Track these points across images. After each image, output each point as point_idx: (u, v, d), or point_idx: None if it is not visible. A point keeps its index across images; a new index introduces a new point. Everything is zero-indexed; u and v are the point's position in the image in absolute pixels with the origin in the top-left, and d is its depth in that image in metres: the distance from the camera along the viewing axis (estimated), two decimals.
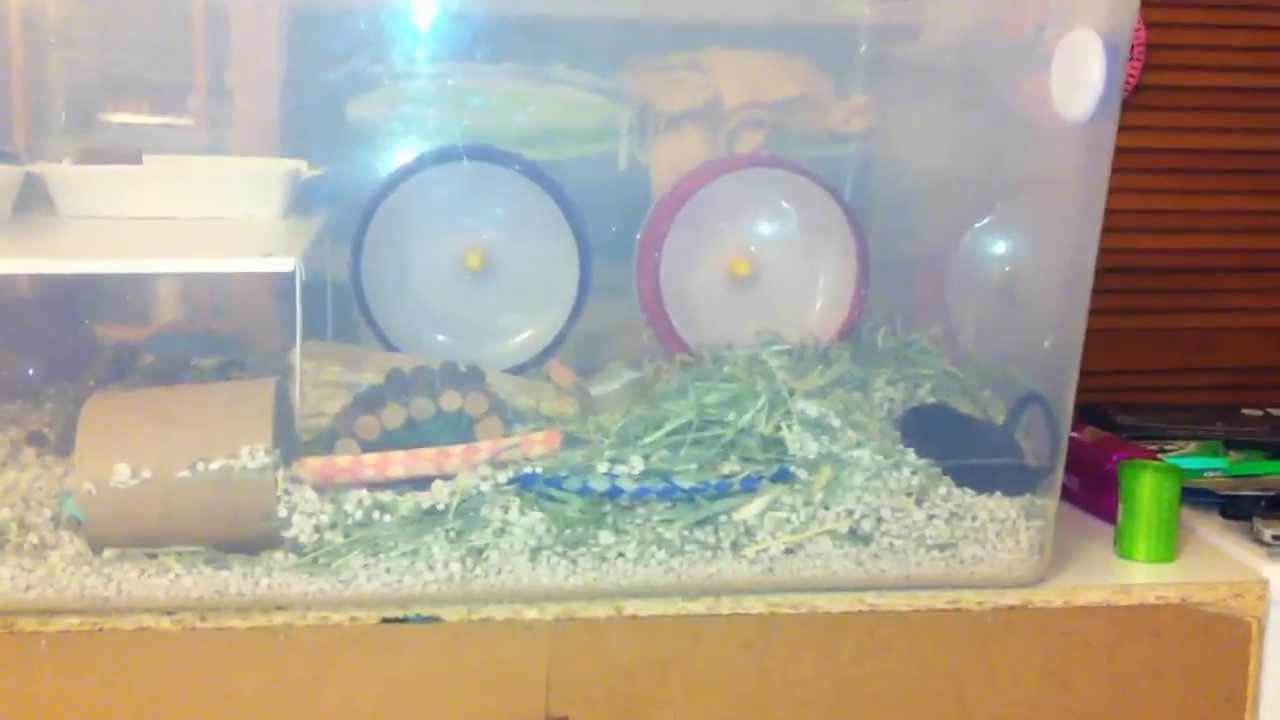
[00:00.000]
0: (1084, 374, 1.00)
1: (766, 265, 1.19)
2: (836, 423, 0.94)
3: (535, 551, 0.89)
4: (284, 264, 0.92)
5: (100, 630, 0.85)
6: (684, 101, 1.21)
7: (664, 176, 1.21)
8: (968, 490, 0.95)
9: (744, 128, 1.24)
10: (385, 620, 0.88)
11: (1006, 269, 1.13)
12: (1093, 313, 0.99)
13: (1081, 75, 0.96)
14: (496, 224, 1.16)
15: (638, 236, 1.17)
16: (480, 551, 0.88)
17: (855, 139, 1.25)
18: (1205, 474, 1.16)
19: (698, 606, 0.91)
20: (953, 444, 0.97)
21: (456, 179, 1.14)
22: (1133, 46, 1.47)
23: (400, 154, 1.16)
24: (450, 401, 0.94)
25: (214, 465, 0.84)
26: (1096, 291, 0.99)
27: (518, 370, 1.13)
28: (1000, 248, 1.14)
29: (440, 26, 1.12)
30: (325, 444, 0.93)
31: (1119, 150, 1.45)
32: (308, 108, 1.19)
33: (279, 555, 0.86)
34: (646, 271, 1.14)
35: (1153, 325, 1.53)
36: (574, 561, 0.90)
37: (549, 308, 1.15)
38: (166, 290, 1.25)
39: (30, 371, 1.07)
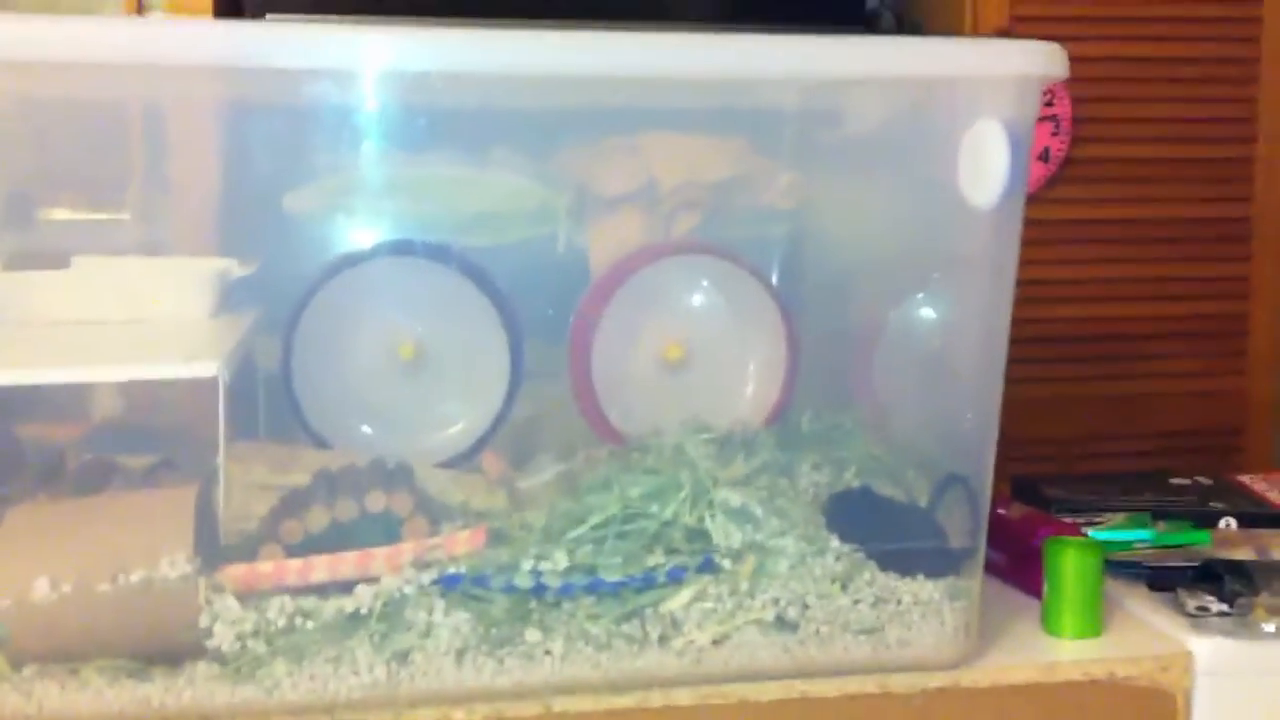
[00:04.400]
0: (1015, 444, 1.01)
1: (698, 350, 1.20)
2: (759, 511, 0.95)
3: (461, 652, 0.89)
4: (206, 369, 0.92)
5: None
6: (621, 185, 1.23)
7: (602, 260, 1.23)
8: (891, 574, 0.96)
9: (680, 209, 1.26)
10: None
11: (929, 348, 1.15)
12: (1022, 382, 1.01)
13: (986, 164, 0.99)
14: (427, 315, 1.17)
15: (570, 323, 1.18)
16: (405, 654, 0.88)
17: (787, 219, 1.28)
18: (1134, 545, 1.17)
19: (627, 701, 0.92)
20: (876, 528, 0.98)
21: (384, 272, 1.15)
22: (1059, 121, 1.51)
23: (338, 245, 1.17)
24: (375, 502, 0.94)
25: (134, 576, 0.84)
26: (1026, 361, 1.01)
27: (454, 461, 1.13)
28: (923, 327, 1.16)
29: (377, 117, 1.13)
30: (250, 549, 0.93)
31: (1048, 223, 1.49)
32: (244, 202, 1.20)
33: (202, 665, 0.86)
34: (579, 359, 1.15)
35: (1083, 393, 1.56)
36: (501, 661, 0.90)
37: (482, 398, 1.16)
38: (95, 387, 1.24)
39: None
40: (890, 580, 0.96)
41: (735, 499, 0.95)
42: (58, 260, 1.10)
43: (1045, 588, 1.03)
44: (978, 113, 1.01)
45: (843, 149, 1.27)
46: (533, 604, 0.91)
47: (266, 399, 1.13)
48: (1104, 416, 1.56)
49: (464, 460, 1.14)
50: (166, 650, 0.86)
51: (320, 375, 1.13)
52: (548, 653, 0.90)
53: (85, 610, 0.84)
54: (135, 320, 1.06)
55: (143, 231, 1.23)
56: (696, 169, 1.26)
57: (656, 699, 0.92)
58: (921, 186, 1.15)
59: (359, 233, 1.17)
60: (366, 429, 1.15)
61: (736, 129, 1.26)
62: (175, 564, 0.85)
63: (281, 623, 0.87)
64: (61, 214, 1.21)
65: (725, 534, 0.93)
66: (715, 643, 0.92)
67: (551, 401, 1.20)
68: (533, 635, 0.90)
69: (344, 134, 1.14)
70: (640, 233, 1.24)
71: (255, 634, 0.86)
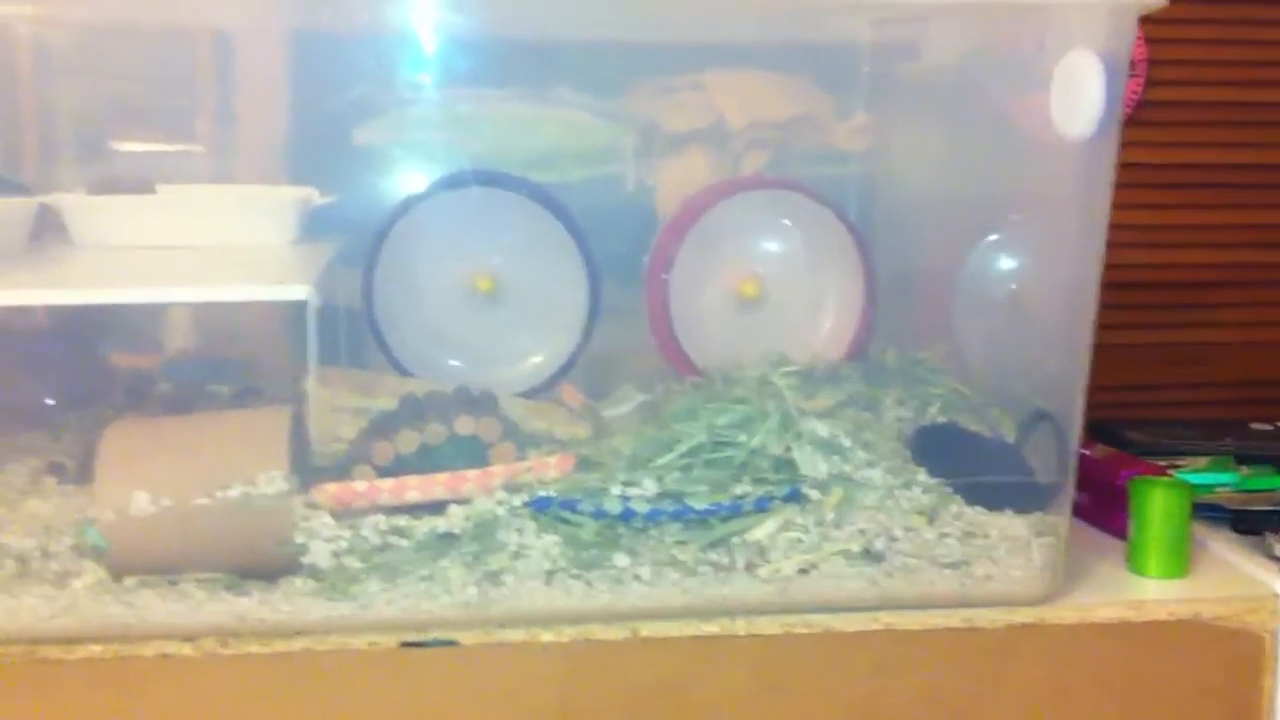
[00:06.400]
0: (1092, 390, 1.00)
1: (774, 286, 1.20)
2: (847, 442, 0.95)
3: (550, 574, 0.90)
4: (297, 291, 0.93)
5: (122, 657, 0.85)
6: (688, 123, 1.23)
7: (670, 198, 1.22)
8: (979, 508, 0.96)
9: (748, 148, 1.25)
10: (404, 644, 0.88)
11: (1012, 286, 1.14)
12: (1099, 328, 1.00)
13: (1080, 95, 0.97)
14: (505, 248, 1.17)
15: (646, 259, 1.17)
16: (496, 575, 0.89)
17: (858, 158, 1.27)
18: (1216, 489, 1.16)
19: (712, 628, 0.92)
20: (963, 462, 0.98)
21: (465, 204, 1.15)
22: (1134, 63, 1.48)
23: (406, 179, 1.17)
24: (464, 426, 0.94)
25: (232, 492, 0.85)
26: (1102, 307, 1.00)
27: (529, 394, 1.14)
28: (1005, 265, 1.15)
29: (444, 51, 1.13)
30: (341, 470, 0.94)
31: (1122, 166, 1.46)
32: (314, 134, 1.20)
33: (298, 581, 0.87)
34: (655, 294, 1.15)
35: (1158, 340, 1.54)
36: (589, 584, 0.90)
37: (559, 331, 1.16)
38: (177, 317, 1.26)
39: (48, 401, 1.08)
40: (978, 515, 0.96)
41: (823, 429, 0.95)
42: (142, 186, 1.11)
43: (1131, 527, 1.03)
44: (1071, 42, 0.99)
45: (920, 82, 1.26)
46: (621, 529, 0.91)
47: (347, 327, 1.13)
48: (1177, 364, 1.54)
49: (541, 392, 1.15)
50: (263, 565, 0.87)
51: (399, 305, 1.13)
52: (636, 577, 0.90)
53: (184, 524, 0.85)
54: (219, 246, 1.06)
55: (216, 162, 1.24)
56: (766, 107, 1.25)
57: (742, 627, 0.92)
58: (1005, 120, 1.14)
59: (427, 166, 1.18)
60: (445, 358, 1.15)
61: (807, 66, 1.25)
62: (272, 480, 0.86)
63: (376, 540, 0.88)
64: (135, 145, 1.22)
65: (812, 464, 0.93)
66: (801, 572, 0.92)
67: (627, 337, 1.20)
68: (621, 560, 0.90)
69: (411, 68, 1.14)
70: (708, 171, 1.23)
71: (350, 551, 0.87)
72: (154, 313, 1.23)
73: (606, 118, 1.22)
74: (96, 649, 0.85)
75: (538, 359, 1.16)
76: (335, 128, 1.17)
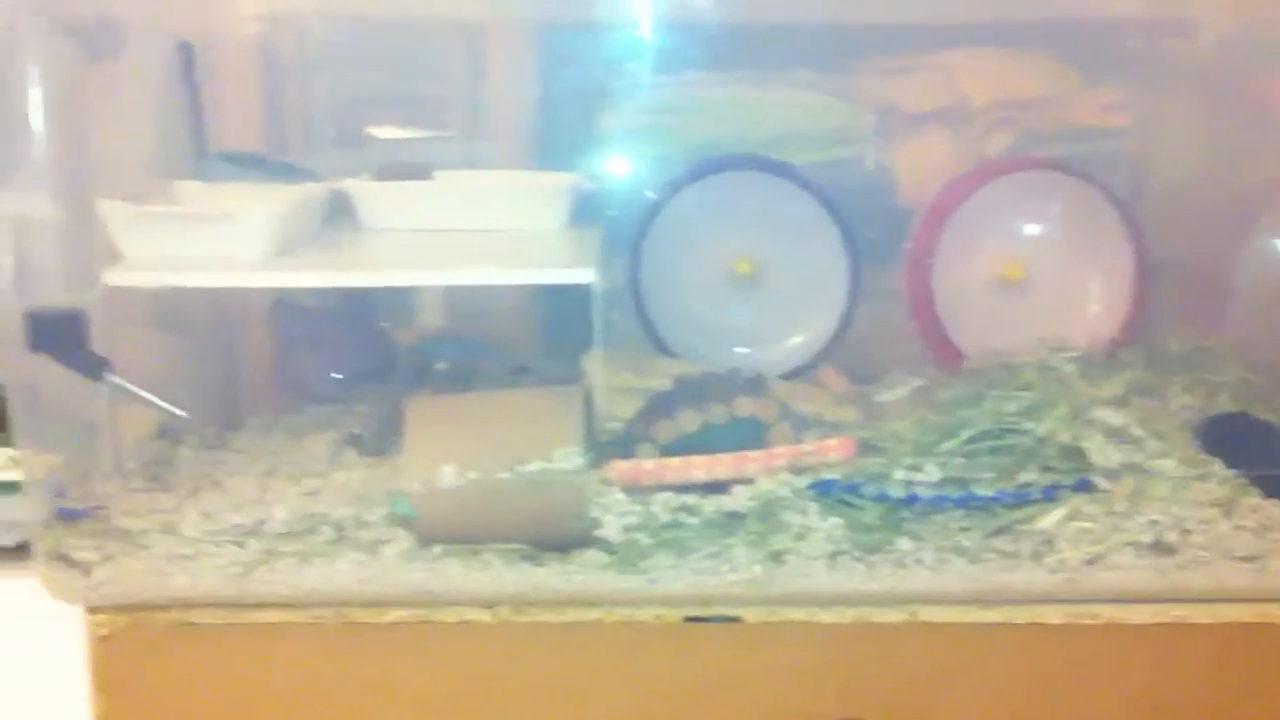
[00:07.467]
0: None
1: (1038, 269, 1.17)
2: (1139, 431, 0.92)
3: (833, 556, 0.90)
4: (583, 275, 0.96)
5: (426, 622, 0.90)
6: (927, 103, 1.21)
7: (911, 180, 1.21)
8: (1276, 501, 0.92)
9: (992, 128, 1.22)
10: (688, 619, 0.90)
11: None
12: None
13: None
14: (765, 230, 1.18)
15: (905, 245, 1.17)
16: (780, 554, 0.90)
17: (1115, 136, 1.23)
18: None
19: (994, 615, 0.91)
20: (1259, 454, 0.94)
21: (725, 187, 1.16)
22: None
23: (648, 164, 1.19)
24: (743, 407, 0.96)
25: (531, 467, 0.89)
26: None
27: (790, 376, 1.14)
28: None
29: (682, 36, 1.15)
30: (619, 447, 0.97)
31: None
32: (560, 120, 1.23)
33: (590, 554, 0.90)
34: (917, 279, 1.14)
35: None
36: (871, 567, 0.91)
37: (818, 313, 1.16)
38: (428, 298, 1.31)
39: (339, 375, 1.14)
40: (1275, 508, 0.92)
41: (1113, 418, 0.92)
42: (421, 173, 1.16)
43: None
44: None
45: (1196, 59, 1.21)
46: (904, 513, 0.91)
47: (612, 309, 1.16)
48: None
49: (802, 374, 1.15)
50: (558, 538, 0.90)
51: (660, 288, 1.15)
52: (919, 562, 0.90)
53: (486, 496, 0.89)
54: (494, 230, 1.10)
55: (467, 149, 1.28)
56: (1009, 86, 1.22)
57: (1023, 615, 0.91)
58: None
59: (669, 150, 1.19)
60: (706, 340, 1.17)
61: (1057, 43, 1.21)
62: (569, 456, 0.89)
63: (665, 518, 0.90)
64: (391, 131, 1.28)
65: (1104, 454, 0.91)
66: (1088, 562, 0.91)
67: (879, 320, 1.20)
68: (904, 544, 0.90)
69: (652, 54, 1.16)
70: (949, 152, 1.21)
71: (640, 526, 0.90)
72: (414, 292, 1.28)
73: (844, 99, 1.22)
74: (403, 613, 0.90)
75: (797, 341, 1.17)
76: (580, 113, 1.20)
